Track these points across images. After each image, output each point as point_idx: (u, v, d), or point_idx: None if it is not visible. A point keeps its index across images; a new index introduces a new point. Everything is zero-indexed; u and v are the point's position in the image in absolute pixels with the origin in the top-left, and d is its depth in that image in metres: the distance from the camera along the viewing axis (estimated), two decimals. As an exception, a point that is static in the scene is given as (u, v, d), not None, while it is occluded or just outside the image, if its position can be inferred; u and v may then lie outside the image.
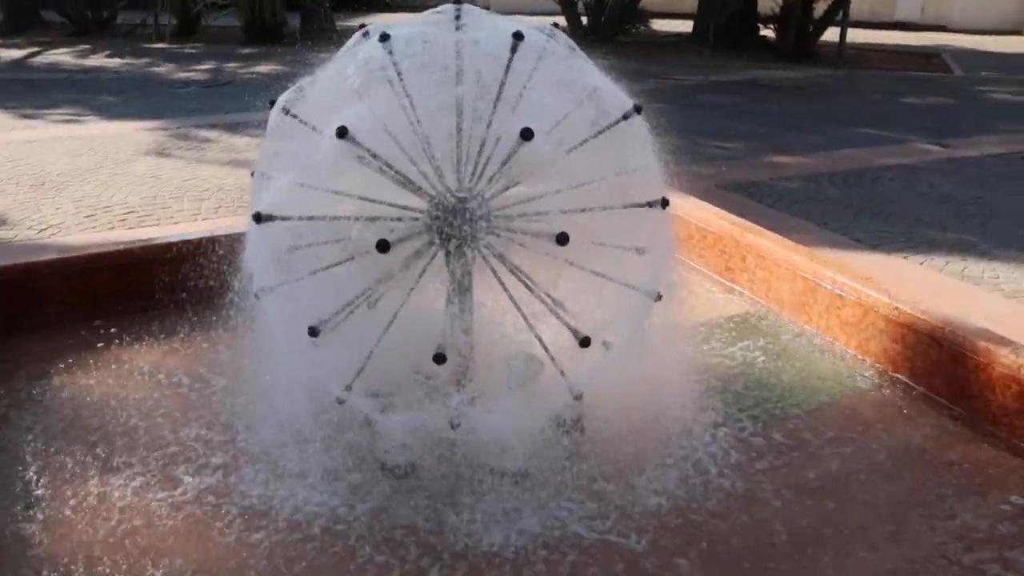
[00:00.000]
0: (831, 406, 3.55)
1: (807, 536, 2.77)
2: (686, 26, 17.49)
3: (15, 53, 13.75)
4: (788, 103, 11.05)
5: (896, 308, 3.74)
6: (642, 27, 17.39)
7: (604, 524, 2.76)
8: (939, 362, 3.57)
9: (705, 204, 5.05)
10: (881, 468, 3.15)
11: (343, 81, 2.70)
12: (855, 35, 16.96)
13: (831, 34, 15.67)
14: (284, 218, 2.67)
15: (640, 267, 2.86)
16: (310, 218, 2.66)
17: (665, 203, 2.81)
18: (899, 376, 3.73)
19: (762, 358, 3.90)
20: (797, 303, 4.23)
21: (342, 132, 2.51)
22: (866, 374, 3.78)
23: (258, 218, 2.66)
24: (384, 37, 2.63)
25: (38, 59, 13.34)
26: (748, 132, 9.06)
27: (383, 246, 2.51)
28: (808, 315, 4.18)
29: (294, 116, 2.78)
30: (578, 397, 2.74)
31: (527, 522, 2.74)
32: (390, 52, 2.61)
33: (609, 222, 2.76)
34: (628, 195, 2.79)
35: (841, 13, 15.55)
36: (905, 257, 5.15)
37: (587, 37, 15.44)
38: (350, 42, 2.85)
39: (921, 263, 5.05)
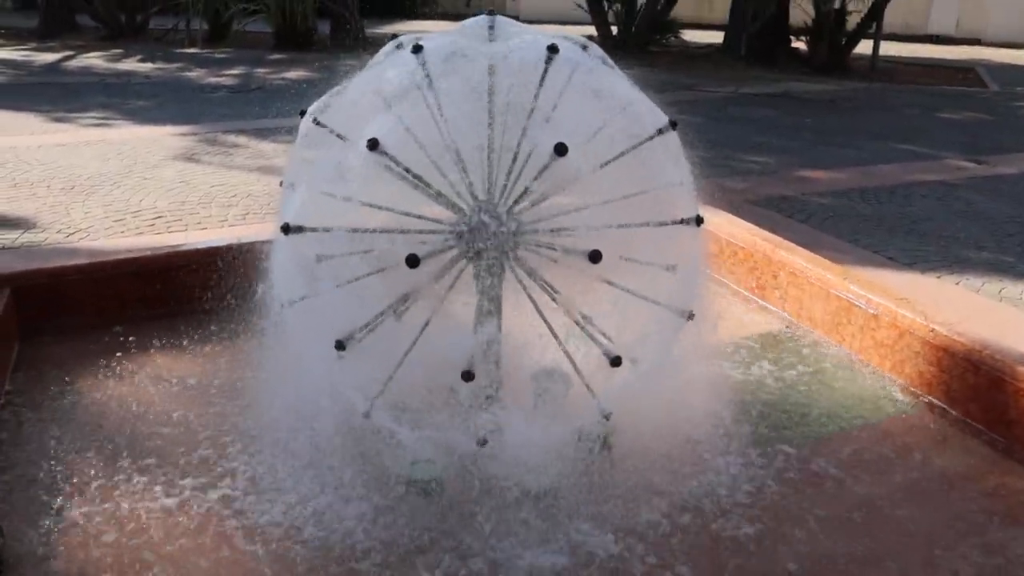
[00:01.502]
0: (864, 429, 3.46)
1: (841, 563, 2.70)
2: (717, 37, 17.39)
3: (49, 57, 13.90)
4: (820, 117, 10.92)
5: (932, 330, 3.65)
6: (672, 38, 17.37)
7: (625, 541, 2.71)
8: (976, 386, 3.48)
9: (736, 219, 4.98)
10: (917, 495, 3.06)
11: (375, 92, 2.67)
12: (888, 48, 16.77)
13: (864, 47, 15.51)
14: (312, 229, 2.64)
15: (671, 285, 2.80)
16: (343, 230, 2.63)
17: (699, 221, 2.76)
18: (934, 400, 3.64)
19: (793, 378, 3.82)
20: (830, 322, 4.15)
21: (373, 144, 2.48)
22: (901, 397, 3.70)
23: (286, 229, 2.63)
24: (417, 48, 2.60)
25: (71, 63, 13.48)
26: (780, 146, 8.96)
27: (413, 261, 2.47)
28: (841, 335, 4.10)
29: (325, 126, 2.75)
30: (607, 417, 2.68)
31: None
32: (423, 64, 2.57)
33: (641, 239, 2.70)
34: (661, 212, 2.73)
35: (874, 25, 15.41)
36: (940, 277, 5.04)
37: (617, 48, 15.38)
38: (382, 52, 2.82)
39: (957, 283, 4.94)
